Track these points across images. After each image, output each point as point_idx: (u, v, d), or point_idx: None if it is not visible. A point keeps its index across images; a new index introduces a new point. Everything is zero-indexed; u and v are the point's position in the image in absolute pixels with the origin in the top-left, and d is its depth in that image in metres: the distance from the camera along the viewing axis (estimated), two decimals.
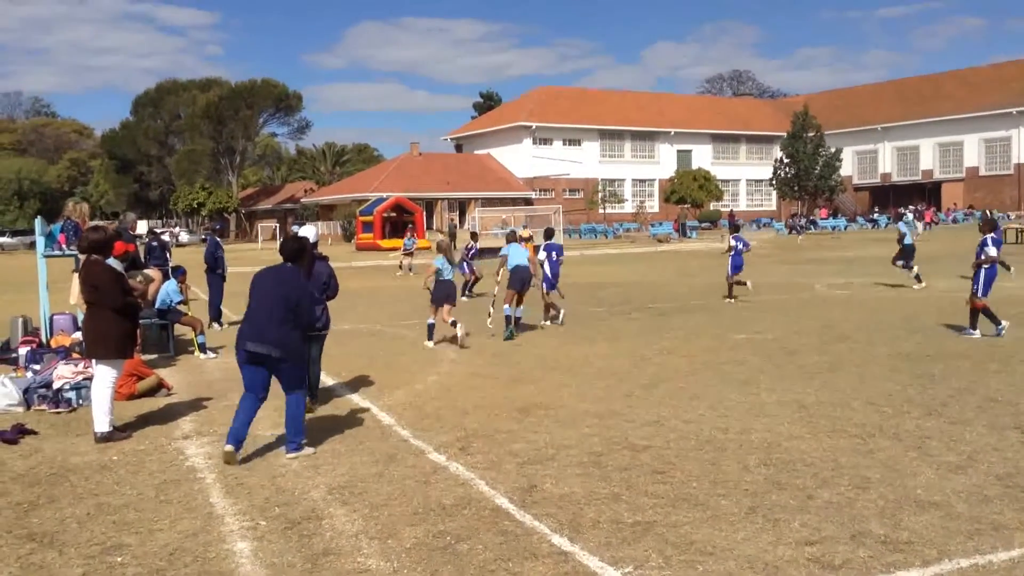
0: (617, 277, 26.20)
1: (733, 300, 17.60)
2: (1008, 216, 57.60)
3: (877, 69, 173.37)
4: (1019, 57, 74.16)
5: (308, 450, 7.01)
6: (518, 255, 13.71)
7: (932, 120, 71.06)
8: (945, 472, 6.01)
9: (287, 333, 6.90)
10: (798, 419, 7.66)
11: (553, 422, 7.84)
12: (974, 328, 12.08)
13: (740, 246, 17.93)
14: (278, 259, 7.37)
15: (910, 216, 34.49)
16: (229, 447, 6.78)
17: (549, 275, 14.84)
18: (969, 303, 12.22)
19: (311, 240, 8.48)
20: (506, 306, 13.50)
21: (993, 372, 9.53)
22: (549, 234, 16.18)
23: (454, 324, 12.52)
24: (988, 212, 42.36)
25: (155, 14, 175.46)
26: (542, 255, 14.69)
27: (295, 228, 9.01)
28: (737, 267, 17.79)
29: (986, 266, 12.03)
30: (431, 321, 12.91)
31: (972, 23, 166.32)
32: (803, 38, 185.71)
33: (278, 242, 49.63)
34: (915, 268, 19.67)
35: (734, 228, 20.36)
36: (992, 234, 12.25)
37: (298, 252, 7.34)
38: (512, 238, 14.47)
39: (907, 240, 19.71)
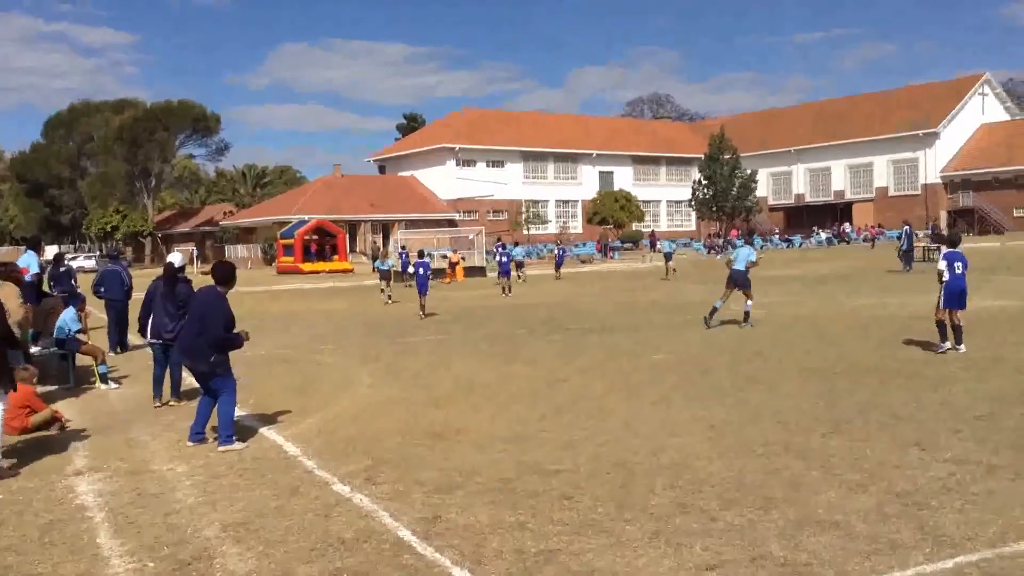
0: (539, 298, 26.22)
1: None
2: (916, 235, 59.68)
3: (795, 93, 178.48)
4: (927, 81, 77.27)
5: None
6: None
7: (843, 143, 73.46)
8: (847, 491, 6.06)
9: (199, 345, 8.04)
10: (707, 438, 7.68)
11: (465, 447, 7.71)
12: (944, 341, 12.07)
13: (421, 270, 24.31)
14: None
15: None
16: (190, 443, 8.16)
17: (418, 285, 20.78)
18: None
19: (176, 265, 10.10)
20: (718, 300, 16.34)
21: (897, 387, 9.74)
22: (420, 254, 22.65)
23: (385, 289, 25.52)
24: (935, 227, 43.79)
25: (71, 34, 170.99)
26: (420, 270, 21.07)
27: (169, 256, 10.56)
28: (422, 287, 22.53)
29: (946, 278, 12.02)
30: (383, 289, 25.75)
31: (884, 48, 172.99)
32: (723, 63, 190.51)
33: (196, 266, 48.94)
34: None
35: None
36: (947, 248, 12.34)
37: (230, 275, 8.33)
38: (421, 255, 22.19)
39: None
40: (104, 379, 11.66)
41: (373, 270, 48.04)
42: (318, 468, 7.19)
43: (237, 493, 6.56)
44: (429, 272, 21.65)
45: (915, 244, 35.02)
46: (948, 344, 12.07)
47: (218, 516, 6.02)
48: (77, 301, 12.22)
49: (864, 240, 60.14)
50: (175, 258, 10.35)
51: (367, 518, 5.86)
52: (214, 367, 8.08)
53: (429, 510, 5.97)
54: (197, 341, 8.04)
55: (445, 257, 42.13)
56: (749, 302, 16.21)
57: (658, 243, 44.97)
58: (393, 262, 28.95)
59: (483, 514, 5.85)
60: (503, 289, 28.16)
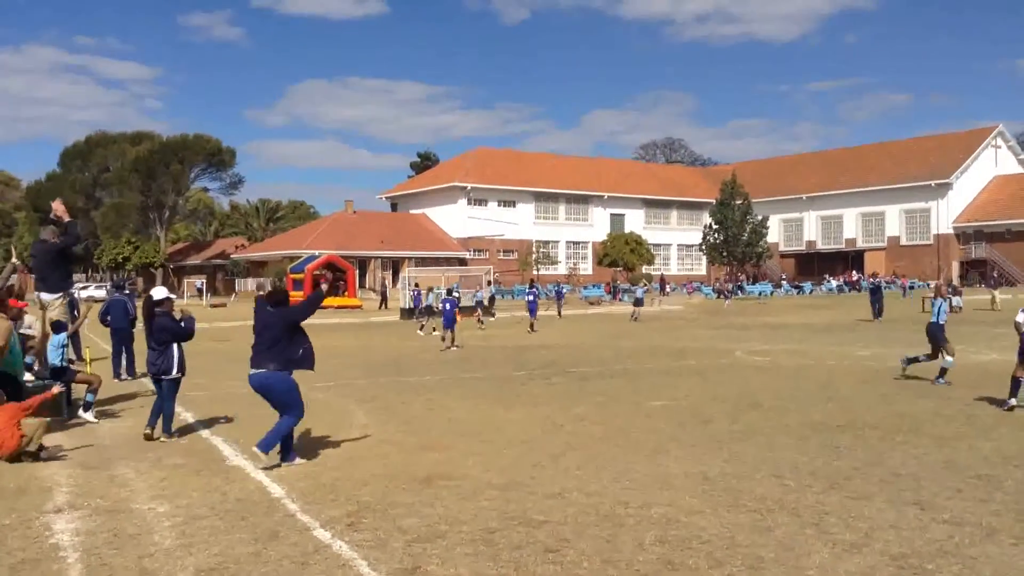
0: (544, 340, 26.08)
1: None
2: (928, 284, 59.46)
3: (808, 140, 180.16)
4: (940, 132, 77.49)
5: (266, 459, 8.55)
6: None
7: (855, 191, 73.51)
8: (840, 552, 5.86)
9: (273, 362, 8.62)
10: (701, 492, 7.49)
11: (452, 494, 7.54)
12: (1012, 397, 11.62)
13: (448, 305, 23.82)
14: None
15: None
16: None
17: (445, 319, 23.19)
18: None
19: (155, 299, 10.18)
20: (922, 355, 15.21)
21: (899, 444, 9.53)
22: (449, 291, 25.61)
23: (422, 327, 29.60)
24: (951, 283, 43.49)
25: (94, 67, 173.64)
26: (447, 306, 23.43)
27: (151, 290, 10.67)
28: (448, 321, 23.31)
29: None
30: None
31: (898, 98, 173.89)
32: (737, 109, 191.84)
33: (205, 298, 49.29)
34: None
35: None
36: None
37: (284, 298, 9.02)
38: (449, 292, 24.97)
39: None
40: (86, 407, 11.49)
41: (385, 307, 48.20)
42: (301, 512, 7.03)
43: (216, 536, 6.41)
44: (456, 308, 23.99)
45: (925, 295, 35.07)
46: (1014, 400, 11.56)
47: (193, 561, 5.86)
48: (60, 328, 11.93)
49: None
50: (155, 292, 10.40)
51: (345, 567, 5.69)
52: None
53: (409, 560, 5.81)
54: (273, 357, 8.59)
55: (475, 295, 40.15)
56: (949, 358, 14.51)
57: (634, 287, 48.00)
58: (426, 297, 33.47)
59: (464, 566, 5.68)
60: (530, 326, 30.38)
